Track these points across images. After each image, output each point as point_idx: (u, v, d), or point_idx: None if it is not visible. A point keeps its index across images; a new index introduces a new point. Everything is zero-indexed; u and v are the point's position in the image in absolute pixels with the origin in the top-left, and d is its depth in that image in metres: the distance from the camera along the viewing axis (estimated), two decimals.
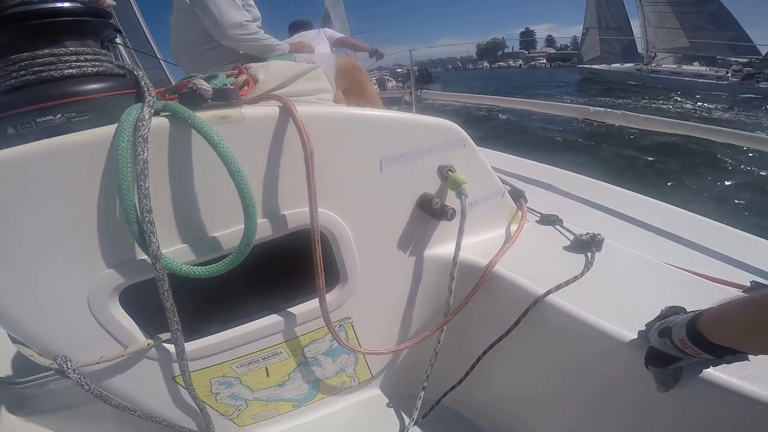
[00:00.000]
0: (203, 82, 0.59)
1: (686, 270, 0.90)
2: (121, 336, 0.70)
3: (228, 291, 0.98)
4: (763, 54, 22.45)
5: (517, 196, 1.13)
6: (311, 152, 0.65)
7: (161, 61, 2.87)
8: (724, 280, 0.90)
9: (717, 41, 23.67)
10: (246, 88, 0.93)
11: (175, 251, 0.66)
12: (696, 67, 21.87)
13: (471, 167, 0.91)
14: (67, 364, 0.65)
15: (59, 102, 0.59)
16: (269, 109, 0.66)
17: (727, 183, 6.06)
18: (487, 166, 0.97)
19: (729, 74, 19.49)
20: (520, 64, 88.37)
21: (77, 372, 0.66)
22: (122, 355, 0.71)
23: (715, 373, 0.58)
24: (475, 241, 0.97)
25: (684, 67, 22.08)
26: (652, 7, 25.71)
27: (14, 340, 0.71)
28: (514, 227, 1.04)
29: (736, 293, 0.86)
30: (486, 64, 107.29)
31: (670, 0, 25.38)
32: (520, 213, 1.08)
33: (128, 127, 0.55)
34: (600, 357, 0.72)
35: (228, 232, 0.69)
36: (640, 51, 28.55)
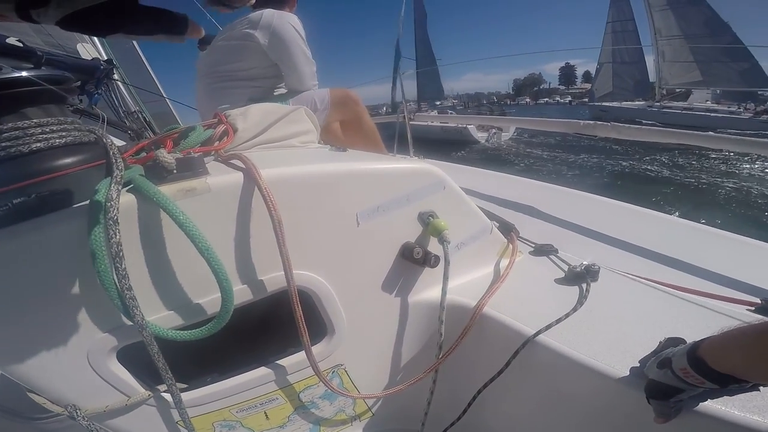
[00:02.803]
0: (165, 153, 0.58)
1: (690, 290, 0.87)
2: (123, 388, 0.74)
3: (223, 344, 0.98)
4: None
5: (508, 229, 1.10)
6: (279, 220, 0.64)
7: (166, 99, 2.89)
8: (731, 298, 0.87)
9: (730, 73, 22.23)
10: (225, 138, 0.93)
11: (161, 318, 0.67)
12: (708, 104, 21.21)
13: (453, 209, 0.89)
14: (76, 412, 0.68)
15: (30, 182, 0.58)
16: (235, 176, 0.66)
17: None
18: (470, 205, 0.95)
19: (741, 109, 19.15)
20: (570, 101, 78.48)
21: (86, 419, 0.69)
22: (126, 404, 0.74)
23: (716, 405, 0.56)
24: (465, 282, 0.94)
25: (695, 103, 21.31)
26: (668, 41, 24.12)
27: (29, 390, 0.75)
28: (505, 262, 1.01)
29: (744, 311, 0.82)
30: (528, 99, 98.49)
31: (685, 32, 23.79)
32: (511, 247, 1.05)
33: (98, 210, 0.54)
34: (592, 395, 0.70)
35: (211, 298, 0.69)
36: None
